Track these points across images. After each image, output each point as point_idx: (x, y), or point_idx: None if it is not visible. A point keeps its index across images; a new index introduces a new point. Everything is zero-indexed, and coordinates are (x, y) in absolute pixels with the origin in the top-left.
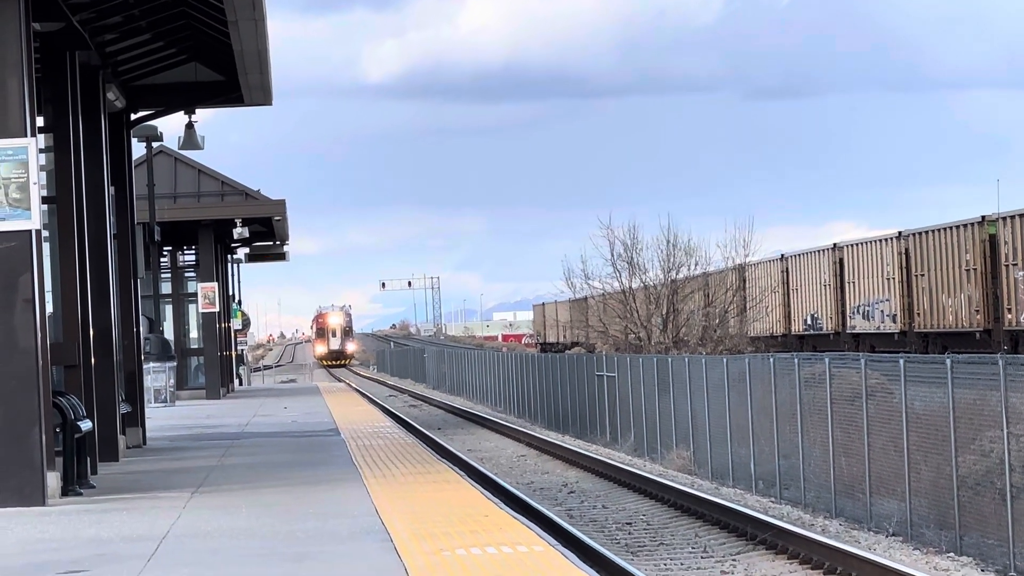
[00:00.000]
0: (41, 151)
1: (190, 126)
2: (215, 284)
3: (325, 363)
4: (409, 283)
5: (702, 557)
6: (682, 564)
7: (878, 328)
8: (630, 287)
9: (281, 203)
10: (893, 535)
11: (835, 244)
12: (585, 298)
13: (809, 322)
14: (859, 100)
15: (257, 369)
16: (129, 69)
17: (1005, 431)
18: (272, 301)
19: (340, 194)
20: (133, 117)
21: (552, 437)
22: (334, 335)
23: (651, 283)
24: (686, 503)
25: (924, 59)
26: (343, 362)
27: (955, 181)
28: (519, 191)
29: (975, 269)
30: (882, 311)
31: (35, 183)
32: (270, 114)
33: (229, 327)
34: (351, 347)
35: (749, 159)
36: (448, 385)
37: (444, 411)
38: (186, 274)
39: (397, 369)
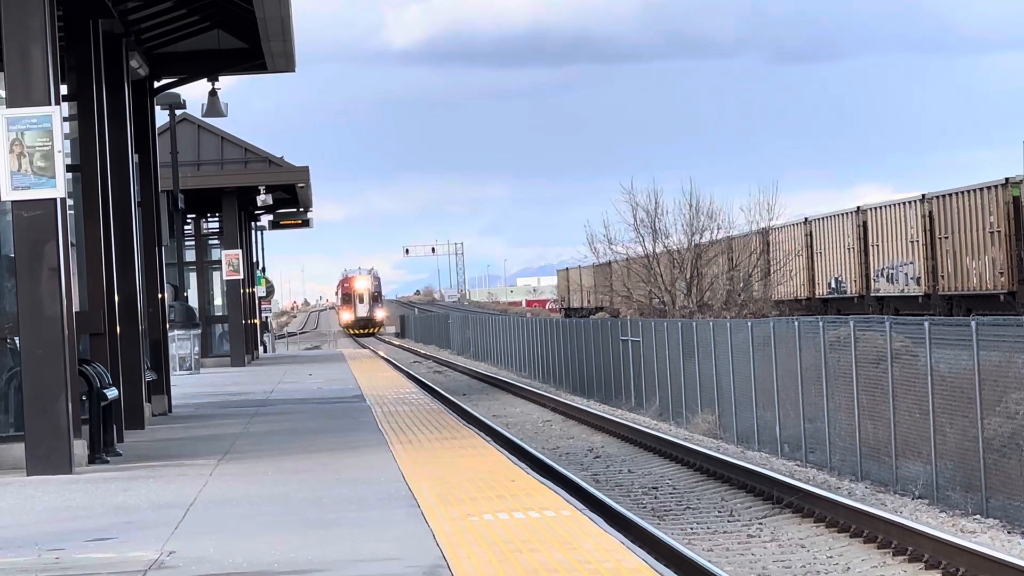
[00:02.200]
0: (65, 119)
1: (213, 93)
2: (239, 251)
3: (352, 332)
4: (433, 249)
5: (728, 521)
6: (708, 528)
7: (902, 291)
8: (654, 252)
9: (304, 170)
10: (919, 498)
11: (859, 207)
12: (609, 263)
13: (833, 285)
14: (884, 63)
15: (281, 336)
16: (152, 37)
17: None
18: (296, 268)
19: (364, 160)
20: (156, 85)
21: (577, 402)
22: (361, 301)
23: (675, 247)
24: (712, 467)
25: (951, 21)
26: (372, 330)
27: (982, 144)
28: (543, 156)
29: (999, 231)
30: (906, 274)
31: (59, 151)
32: (293, 81)
33: (253, 294)
34: (380, 314)
35: (774, 123)
36: (472, 351)
37: (469, 377)
38: (210, 242)
39: (421, 335)
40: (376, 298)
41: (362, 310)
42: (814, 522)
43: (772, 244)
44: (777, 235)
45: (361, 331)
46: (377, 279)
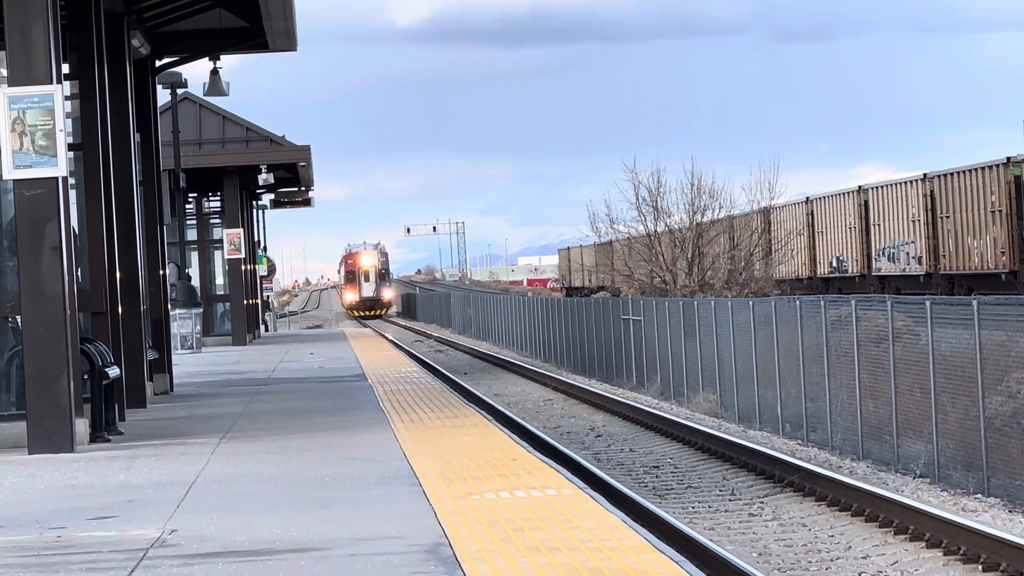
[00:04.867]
0: (67, 98)
1: (215, 72)
2: (240, 230)
3: (356, 313)
4: (434, 228)
5: (730, 500)
6: (710, 507)
7: (904, 270)
8: (655, 231)
9: (306, 149)
10: (920, 477)
11: (860, 186)
12: (610, 242)
13: (835, 264)
14: (887, 42)
15: (283, 315)
16: (154, 16)
17: None
18: (297, 247)
19: (366, 139)
20: (158, 64)
21: (578, 381)
22: (367, 279)
23: (676, 227)
24: (713, 446)
25: (952, 0)
26: (379, 312)
27: (984, 123)
28: (545, 135)
29: (1000, 211)
30: (907, 253)
31: (61, 130)
32: (295, 60)
33: (255, 273)
34: (388, 294)
35: (776, 102)
36: (474, 330)
37: (470, 356)
38: (211, 221)
39: (423, 314)
40: (383, 276)
41: (368, 289)
42: (815, 501)
43: (773, 223)
44: (778, 214)
45: (367, 313)
46: (384, 255)
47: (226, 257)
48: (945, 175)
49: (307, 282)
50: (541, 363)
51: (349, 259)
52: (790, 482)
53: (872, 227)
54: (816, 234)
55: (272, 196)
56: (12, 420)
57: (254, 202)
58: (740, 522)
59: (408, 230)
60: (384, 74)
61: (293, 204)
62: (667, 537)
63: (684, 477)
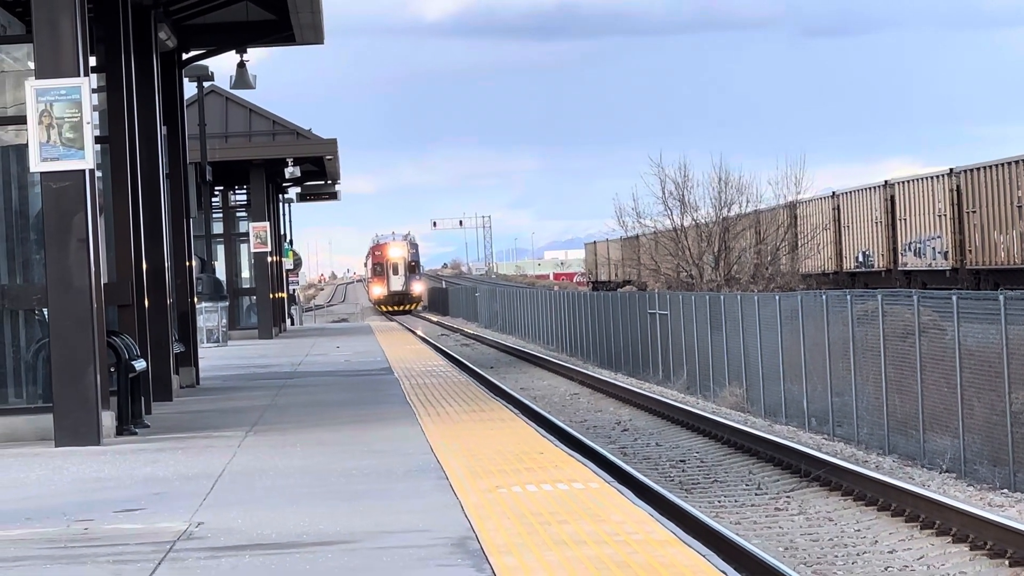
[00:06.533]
0: (94, 91)
1: (241, 65)
2: (267, 224)
3: (384, 309)
4: (460, 222)
5: (756, 494)
6: (736, 501)
7: (930, 265)
8: (682, 225)
9: (332, 142)
10: (947, 471)
11: (886, 181)
12: (637, 236)
13: (860, 259)
14: (914, 37)
15: (309, 309)
16: (180, 8)
17: None
18: (323, 241)
19: (393, 133)
20: (184, 57)
21: (605, 375)
22: (395, 272)
23: (703, 221)
24: (739, 440)
25: None
26: (408, 307)
27: (1011, 118)
28: (573, 129)
29: None
30: (934, 248)
31: (88, 123)
32: (322, 53)
33: (281, 266)
34: (417, 288)
35: (803, 97)
36: (500, 324)
37: (496, 350)
38: (238, 214)
39: (449, 308)
40: (413, 268)
41: (396, 283)
42: (842, 495)
43: (800, 218)
44: (805, 209)
45: (395, 308)
46: (414, 246)
47: (252, 250)
48: (971, 170)
49: (333, 276)
50: (567, 357)
51: (376, 250)
52: (816, 476)
53: (898, 222)
54: (842, 229)
55: (298, 189)
56: (39, 413)
57: (280, 195)
58: (766, 516)
59: (435, 224)
60: (411, 68)
61: (319, 197)
62: (693, 531)
63: (710, 471)
